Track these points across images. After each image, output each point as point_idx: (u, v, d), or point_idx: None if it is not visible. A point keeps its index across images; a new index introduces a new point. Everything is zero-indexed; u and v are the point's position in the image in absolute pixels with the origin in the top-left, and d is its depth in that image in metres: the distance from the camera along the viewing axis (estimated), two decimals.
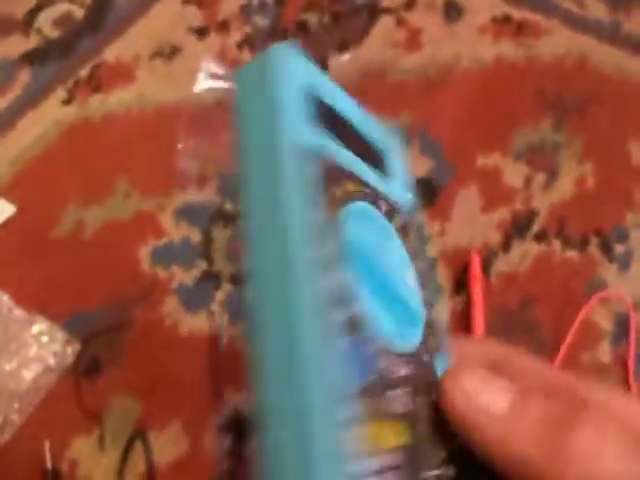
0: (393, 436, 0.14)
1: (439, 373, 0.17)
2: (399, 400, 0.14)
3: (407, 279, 0.17)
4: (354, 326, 0.14)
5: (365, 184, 0.17)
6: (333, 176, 0.16)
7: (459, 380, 0.16)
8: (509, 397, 0.15)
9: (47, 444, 0.34)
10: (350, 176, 0.16)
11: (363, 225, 0.16)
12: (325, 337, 0.13)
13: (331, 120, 0.17)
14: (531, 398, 0.15)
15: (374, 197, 0.17)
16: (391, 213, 0.18)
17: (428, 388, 0.16)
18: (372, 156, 0.18)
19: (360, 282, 0.15)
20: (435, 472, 0.15)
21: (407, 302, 0.17)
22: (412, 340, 0.16)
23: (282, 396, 0.12)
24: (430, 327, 0.17)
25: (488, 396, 0.15)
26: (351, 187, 0.16)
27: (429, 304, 0.18)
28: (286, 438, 0.12)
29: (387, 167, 0.19)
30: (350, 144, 0.17)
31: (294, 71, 0.16)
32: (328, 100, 0.17)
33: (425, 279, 0.18)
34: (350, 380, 0.13)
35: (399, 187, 0.19)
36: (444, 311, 0.17)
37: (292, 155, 0.15)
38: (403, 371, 0.15)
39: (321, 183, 0.15)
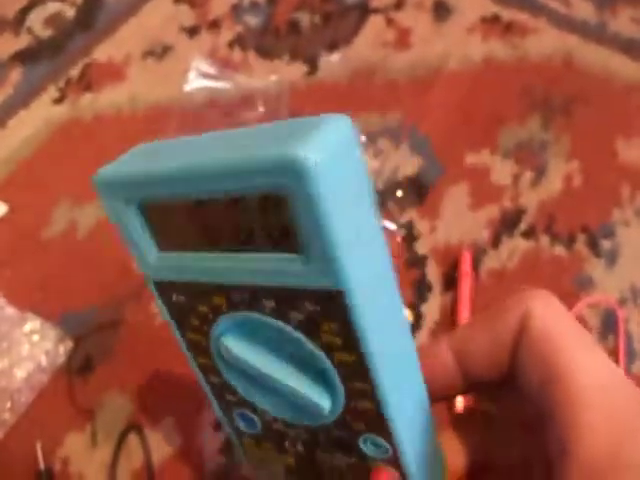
0: (277, 459, 0.20)
1: (367, 446, 0.18)
2: (285, 444, 0.19)
3: (301, 374, 0.16)
4: (243, 405, 0.19)
5: (241, 290, 0.15)
6: (195, 299, 0.17)
7: None
8: None
9: (39, 445, 0.34)
10: (218, 289, 0.16)
11: (239, 334, 0.17)
12: (225, 406, 0.20)
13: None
14: None
15: (253, 300, 0.16)
16: (283, 310, 0.15)
17: (330, 449, 0.19)
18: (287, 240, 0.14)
19: (245, 378, 0.18)
20: None
21: (300, 400, 0.17)
22: (312, 420, 0.18)
23: None
24: (354, 415, 0.17)
25: None
26: (217, 301, 0.16)
27: (358, 395, 0.16)
28: None
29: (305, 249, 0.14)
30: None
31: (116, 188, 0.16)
32: None
33: (350, 371, 0.15)
34: (246, 428, 0.20)
35: (321, 269, 0.14)
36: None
37: (152, 286, 0.18)
38: (292, 433, 0.19)
39: (183, 308, 0.17)
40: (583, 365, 0.16)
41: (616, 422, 0.15)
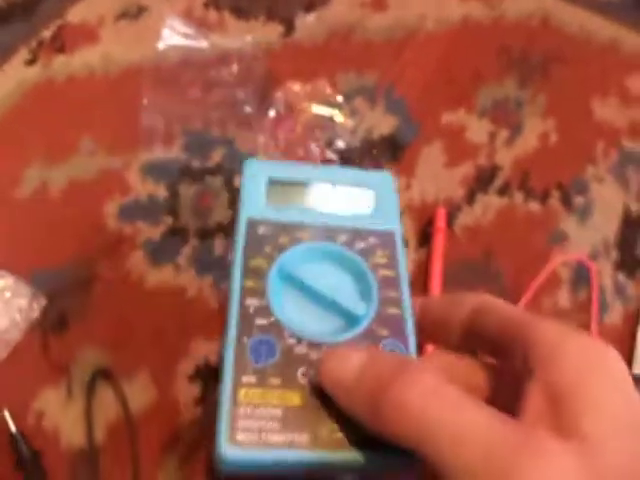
0: (280, 397, 0.20)
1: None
2: (297, 375, 0.20)
3: (345, 290, 0.23)
4: (270, 328, 0.21)
5: (318, 228, 0.24)
6: (280, 232, 0.24)
7: (326, 361, 0.19)
8: (359, 359, 0.18)
9: (6, 411, 0.34)
10: (300, 227, 0.24)
11: (304, 258, 0.23)
12: (243, 333, 0.21)
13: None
14: (370, 367, 0.17)
15: (328, 234, 0.24)
16: (352, 241, 0.24)
17: None
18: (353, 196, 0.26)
19: (289, 297, 0.22)
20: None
21: (339, 308, 0.22)
22: (340, 334, 0.21)
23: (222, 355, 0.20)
24: (382, 321, 0.22)
25: (342, 368, 0.18)
26: (298, 234, 0.24)
27: (389, 302, 0.22)
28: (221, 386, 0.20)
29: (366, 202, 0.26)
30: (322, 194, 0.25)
31: (258, 170, 0.26)
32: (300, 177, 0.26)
33: (388, 283, 0.23)
34: (257, 358, 0.20)
35: (379, 217, 0.25)
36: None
37: (243, 223, 0.24)
38: (313, 355, 0.21)
39: (264, 238, 0.23)
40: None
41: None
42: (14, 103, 0.47)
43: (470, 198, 0.43)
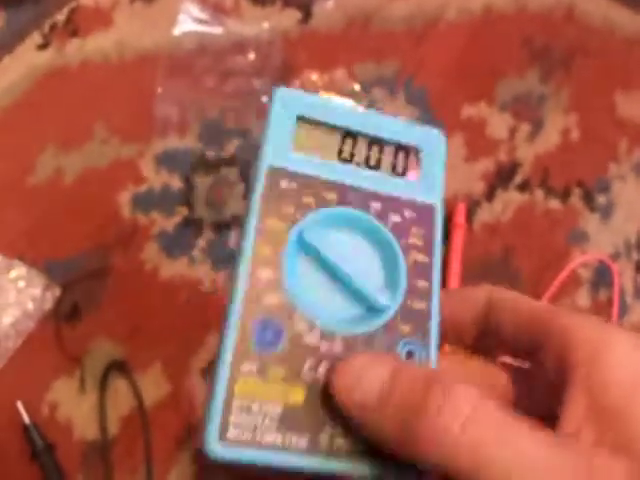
0: (281, 393, 0.17)
1: (402, 357, 0.19)
2: (304, 369, 0.18)
3: (370, 273, 0.20)
4: (279, 309, 0.18)
5: (350, 189, 0.20)
6: (306, 188, 0.20)
7: (342, 376, 0.17)
8: (382, 375, 0.16)
9: (19, 403, 0.34)
10: (330, 185, 0.20)
11: (330, 226, 0.20)
12: (248, 311, 0.18)
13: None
14: (394, 387, 0.16)
15: (361, 199, 0.20)
16: (386, 212, 0.20)
17: None
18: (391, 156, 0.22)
19: (305, 272, 0.19)
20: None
21: (360, 293, 0.19)
22: (357, 325, 0.19)
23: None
24: (406, 315, 0.19)
25: (362, 388, 0.16)
26: (327, 195, 0.20)
27: (417, 294, 0.20)
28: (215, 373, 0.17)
29: (409, 165, 0.22)
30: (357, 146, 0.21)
31: (289, 103, 0.21)
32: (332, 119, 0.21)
33: (419, 270, 0.20)
34: (261, 344, 0.18)
35: (421, 185, 0.21)
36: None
37: (262, 172, 0.20)
38: (324, 347, 0.18)
39: (286, 194, 0.20)
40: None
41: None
42: (26, 88, 0.46)
43: (490, 194, 0.42)
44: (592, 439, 0.14)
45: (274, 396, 0.17)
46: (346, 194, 0.20)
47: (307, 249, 0.19)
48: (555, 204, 0.42)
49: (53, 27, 0.50)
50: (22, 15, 0.51)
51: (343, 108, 0.22)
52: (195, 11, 0.45)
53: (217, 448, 0.16)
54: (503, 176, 0.43)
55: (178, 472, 0.34)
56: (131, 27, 0.49)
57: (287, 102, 0.21)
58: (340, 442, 0.17)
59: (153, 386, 0.35)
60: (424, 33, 0.49)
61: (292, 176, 0.20)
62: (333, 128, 0.21)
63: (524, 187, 0.42)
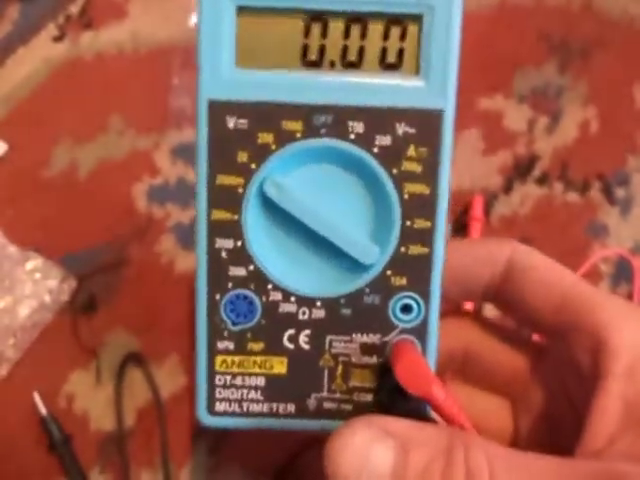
0: (263, 365, 0.17)
1: (395, 313, 0.17)
2: (283, 339, 0.17)
3: (353, 220, 0.16)
4: (247, 280, 0.16)
5: (320, 111, 0.15)
6: (257, 123, 0.15)
7: (339, 454, 0.14)
8: (390, 456, 0.14)
9: (36, 395, 0.34)
10: (286, 113, 0.15)
11: (297, 169, 0.16)
12: (214, 287, 0.17)
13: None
14: (410, 453, 0.14)
15: (335, 125, 0.15)
16: (371, 134, 0.15)
17: (346, 329, 0.17)
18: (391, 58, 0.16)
19: (273, 232, 0.17)
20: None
21: (341, 247, 0.16)
22: (340, 285, 0.17)
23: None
24: (399, 265, 0.16)
25: (372, 460, 0.14)
26: (289, 126, 0.15)
27: (415, 237, 0.16)
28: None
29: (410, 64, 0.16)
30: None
31: None
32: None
33: (418, 205, 0.16)
34: (234, 320, 0.17)
35: (426, 80, 0.16)
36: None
37: (203, 113, 0.15)
38: (303, 315, 0.16)
39: (236, 137, 0.15)
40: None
41: None
42: (42, 80, 0.46)
43: (507, 187, 0.42)
44: (626, 451, 0.13)
45: (256, 369, 0.17)
46: (315, 119, 0.15)
47: (270, 205, 0.16)
48: (574, 197, 0.41)
49: (68, 18, 0.50)
50: (37, 7, 0.51)
51: None
52: None
53: (207, 419, 0.17)
54: (521, 169, 0.42)
55: (194, 463, 0.34)
56: (146, 18, 0.48)
57: None
58: (329, 405, 0.17)
59: (169, 378, 0.35)
60: None
61: (240, 109, 0.15)
62: (292, 12, 0.15)
63: (543, 180, 0.42)
